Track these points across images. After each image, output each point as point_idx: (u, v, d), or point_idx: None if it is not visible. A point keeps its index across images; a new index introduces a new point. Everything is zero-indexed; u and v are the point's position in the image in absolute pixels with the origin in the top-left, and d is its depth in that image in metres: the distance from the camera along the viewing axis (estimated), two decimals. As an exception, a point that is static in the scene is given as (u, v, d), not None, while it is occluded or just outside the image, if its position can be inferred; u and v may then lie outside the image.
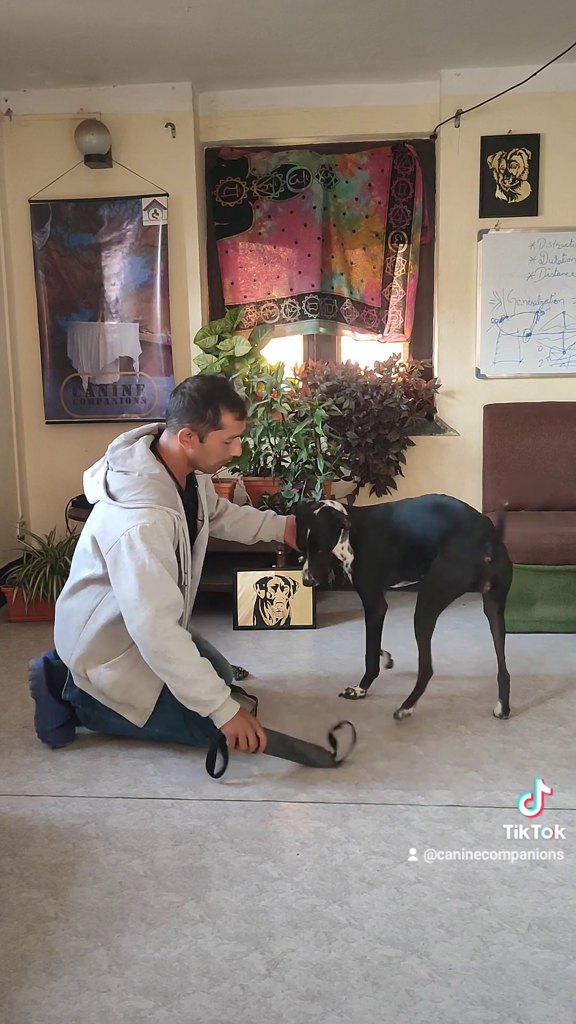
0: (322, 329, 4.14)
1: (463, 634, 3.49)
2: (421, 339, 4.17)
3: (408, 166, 4.01)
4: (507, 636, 3.42)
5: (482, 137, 3.85)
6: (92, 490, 2.41)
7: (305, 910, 1.74)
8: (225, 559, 3.72)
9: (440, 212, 3.96)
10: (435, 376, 4.05)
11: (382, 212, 4.05)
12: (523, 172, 3.87)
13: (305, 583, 2.73)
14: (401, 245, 4.06)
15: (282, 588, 3.55)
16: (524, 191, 3.88)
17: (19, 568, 3.79)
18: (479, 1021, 1.44)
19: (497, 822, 2.03)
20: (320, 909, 1.74)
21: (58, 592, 2.66)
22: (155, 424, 2.51)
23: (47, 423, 4.19)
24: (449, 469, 4.07)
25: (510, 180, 3.88)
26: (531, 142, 3.84)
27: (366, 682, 2.83)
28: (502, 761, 2.36)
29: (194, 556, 2.56)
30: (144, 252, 4.02)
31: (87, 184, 4.01)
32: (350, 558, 2.71)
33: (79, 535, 2.51)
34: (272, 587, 3.55)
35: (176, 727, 2.42)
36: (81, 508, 3.65)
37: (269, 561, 3.64)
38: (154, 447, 2.44)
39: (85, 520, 2.46)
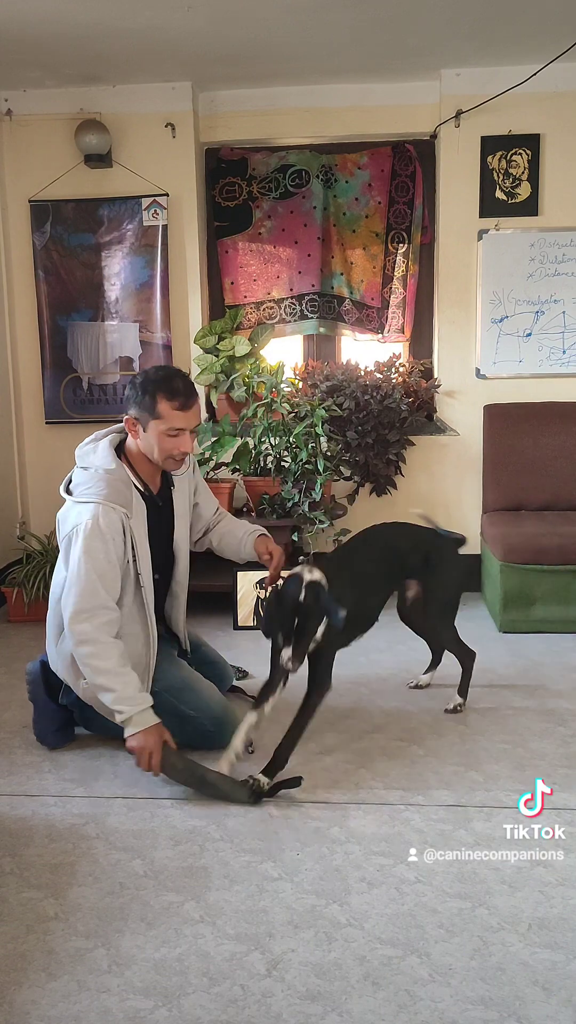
0: (322, 329, 4.14)
1: (463, 634, 3.49)
2: (421, 339, 4.16)
3: (408, 166, 4.01)
4: (507, 636, 3.45)
5: (482, 137, 3.85)
6: (61, 491, 2.39)
7: (305, 910, 1.74)
8: (225, 559, 3.72)
9: (440, 212, 3.96)
10: (435, 376, 4.05)
11: (382, 212, 4.05)
12: (523, 172, 3.87)
13: (288, 670, 2.19)
14: (401, 245, 4.06)
15: (282, 588, 3.54)
16: (524, 191, 3.87)
17: (19, 568, 3.79)
18: (479, 1021, 1.44)
19: (497, 822, 2.03)
20: (320, 909, 1.74)
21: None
22: (109, 437, 2.45)
23: (47, 423, 4.19)
24: (449, 469, 4.07)
25: (510, 180, 3.88)
26: (531, 142, 3.84)
27: (272, 771, 2.23)
28: (502, 761, 2.36)
29: (176, 560, 2.52)
30: (144, 252, 4.02)
31: (87, 184, 4.01)
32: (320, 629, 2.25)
33: None
34: (272, 587, 3.54)
35: (172, 731, 2.41)
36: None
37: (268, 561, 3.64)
38: (123, 446, 2.41)
39: None
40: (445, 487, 4.08)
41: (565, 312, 3.93)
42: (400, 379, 3.91)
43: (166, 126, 3.93)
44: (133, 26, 3.25)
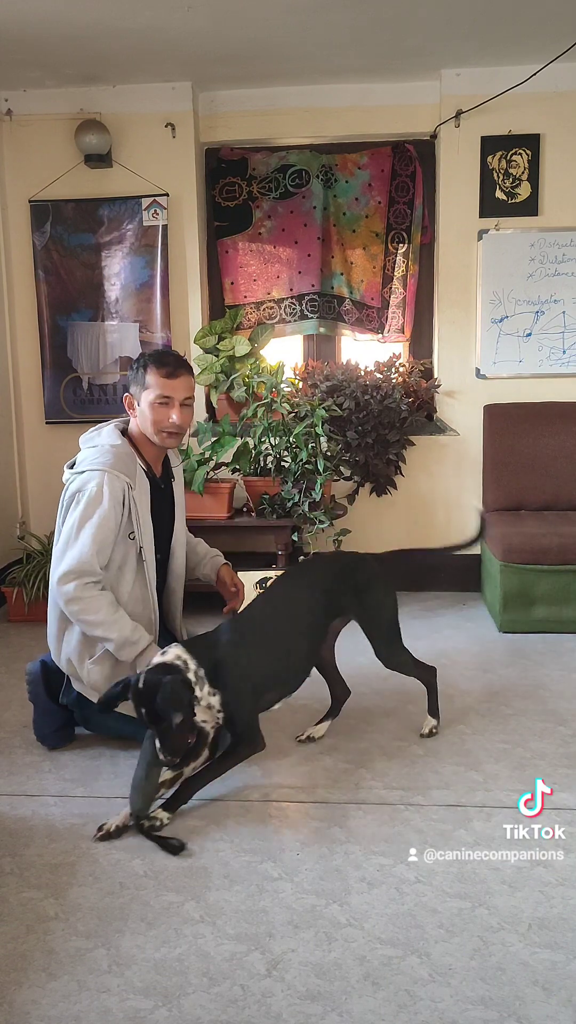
0: (322, 329, 4.14)
1: (463, 634, 3.50)
2: (421, 339, 4.16)
3: (408, 166, 4.01)
4: (507, 636, 3.45)
5: (482, 137, 3.85)
6: (64, 478, 2.45)
7: (305, 910, 1.74)
8: (225, 559, 3.72)
9: (440, 212, 3.96)
10: (435, 376, 4.05)
11: (382, 212, 4.05)
12: (523, 172, 3.86)
13: (165, 764, 2.03)
14: (401, 245, 4.06)
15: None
16: (524, 191, 3.87)
17: (19, 568, 3.80)
18: (479, 1021, 1.44)
19: (497, 822, 2.03)
20: (320, 909, 1.74)
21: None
22: (124, 418, 2.56)
23: (47, 423, 4.19)
24: (449, 469, 4.07)
25: (510, 180, 3.88)
26: (531, 142, 3.84)
27: (174, 806, 2.09)
28: (502, 761, 2.36)
29: (173, 552, 2.57)
30: (144, 252, 4.02)
31: (87, 184, 4.01)
32: (216, 702, 2.09)
33: None
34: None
35: None
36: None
37: (269, 561, 3.65)
38: (126, 433, 2.50)
39: None
40: (445, 487, 4.08)
41: (565, 312, 3.93)
42: (400, 379, 3.91)
43: (166, 126, 3.93)
44: (133, 26, 3.25)
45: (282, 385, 3.72)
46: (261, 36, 3.38)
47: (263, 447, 3.72)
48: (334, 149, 4.03)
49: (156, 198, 3.97)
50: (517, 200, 3.89)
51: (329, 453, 3.67)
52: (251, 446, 3.70)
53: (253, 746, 2.17)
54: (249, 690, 2.16)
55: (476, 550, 4.04)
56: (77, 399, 4.16)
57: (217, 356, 3.94)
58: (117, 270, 4.05)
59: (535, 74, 3.63)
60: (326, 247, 4.07)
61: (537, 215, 3.89)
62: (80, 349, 4.13)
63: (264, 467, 3.75)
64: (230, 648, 2.13)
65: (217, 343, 3.97)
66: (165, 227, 3.98)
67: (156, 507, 2.44)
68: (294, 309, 4.13)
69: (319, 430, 3.52)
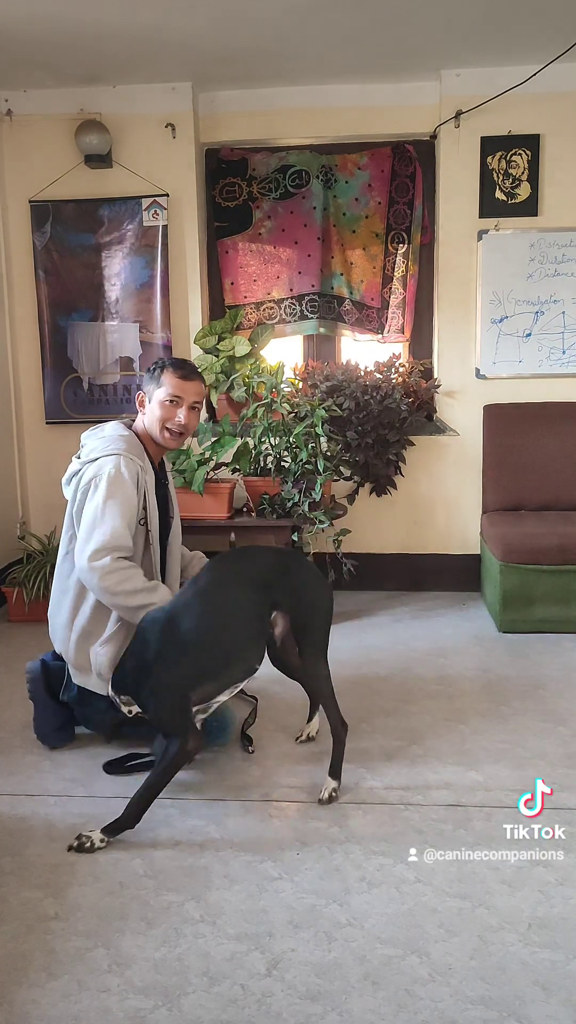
0: (322, 329, 4.14)
1: (463, 634, 3.50)
2: (421, 339, 4.17)
3: (408, 166, 4.01)
4: (507, 636, 3.45)
5: (482, 137, 3.85)
6: (68, 473, 2.49)
7: (305, 910, 1.74)
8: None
9: (440, 212, 3.96)
10: (435, 376, 4.05)
11: (382, 212, 4.05)
12: (523, 172, 3.87)
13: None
14: (401, 245, 4.06)
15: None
16: (524, 191, 3.88)
17: (19, 568, 3.79)
18: (479, 1021, 1.44)
19: (497, 822, 2.03)
20: (320, 909, 1.74)
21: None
22: (127, 416, 2.64)
23: (47, 423, 4.19)
24: (449, 469, 4.07)
25: (510, 180, 3.88)
26: (531, 142, 3.84)
27: (115, 830, 2.01)
28: (502, 761, 2.36)
29: (169, 555, 2.61)
30: (144, 252, 4.02)
31: (87, 184, 4.01)
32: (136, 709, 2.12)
33: None
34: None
35: None
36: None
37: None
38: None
39: None
40: (445, 487, 4.09)
41: (565, 312, 3.93)
42: (400, 379, 3.91)
43: (166, 126, 3.93)
44: (133, 26, 3.25)
45: (282, 385, 3.72)
46: (261, 36, 3.38)
47: (263, 447, 3.72)
48: (334, 149, 4.03)
49: (156, 198, 3.97)
50: (517, 200, 3.89)
51: (329, 453, 3.67)
52: (251, 446, 3.70)
53: (182, 747, 2.01)
54: (172, 691, 2.04)
55: (476, 550, 4.05)
56: (77, 399, 4.16)
57: (217, 356, 3.95)
58: (117, 270, 4.05)
59: (535, 74, 3.63)
60: (326, 247, 4.08)
61: (537, 215, 3.89)
62: (80, 349, 4.13)
63: (264, 467, 3.75)
64: (153, 655, 2.06)
65: (217, 343, 3.97)
66: (165, 227, 3.98)
67: (159, 498, 2.52)
68: (294, 309, 4.14)
69: (319, 430, 3.53)
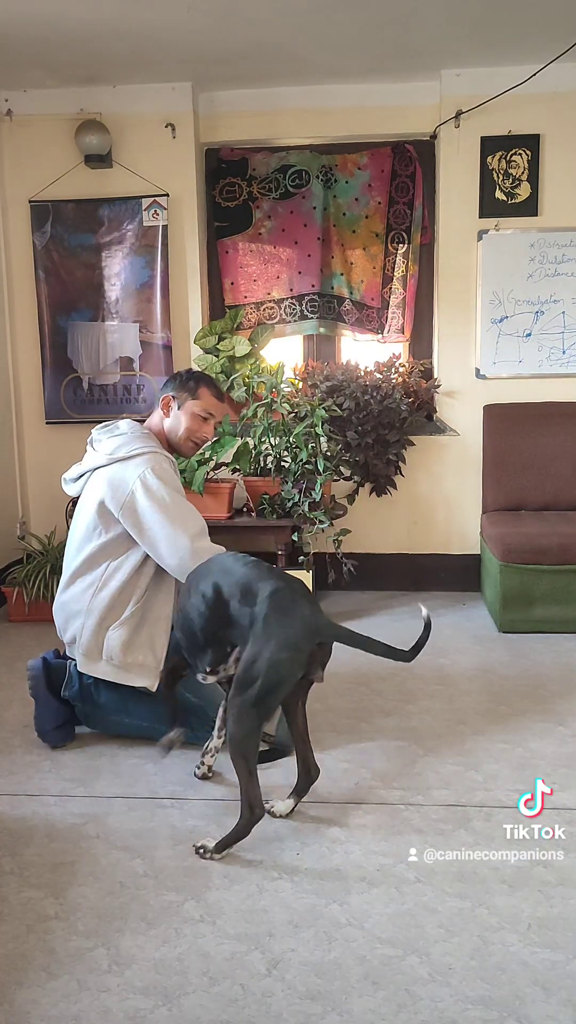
0: (322, 329, 4.14)
1: (463, 634, 3.50)
2: (421, 339, 4.16)
3: (408, 166, 4.01)
4: (507, 636, 3.45)
5: (482, 137, 3.85)
6: (82, 468, 2.51)
7: (305, 910, 1.74)
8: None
9: (440, 212, 3.96)
10: (435, 376, 4.05)
11: (382, 212, 4.05)
12: (523, 172, 3.87)
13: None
14: (401, 245, 4.06)
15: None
16: (524, 191, 3.88)
17: (19, 568, 3.80)
18: (479, 1021, 1.44)
19: (497, 822, 2.03)
20: (320, 909, 1.74)
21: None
22: (132, 416, 2.67)
23: (47, 423, 4.19)
24: (449, 469, 4.07)
25: (510, 180, 3.88)
26: (531, 142, 3.84)
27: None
28: (502, 761, 2.36)
29: None
30: (144, 252, 4.02)
31: (87, 184, 4.01)
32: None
33: None
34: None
35: (174, 723, 2.43)
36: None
37: (269, 561, 3.64)
38: None
39: None
40: (445, 487, 4.09)
41: (565, 312, 3.93)
42: (400, 379, 3.91)
43: (166, 126, 3.93)
44: (133, 26, 3.25)
45: (282, 385, 3.72)
46: (261, 36, 3.38)
47: (263, 447, 3.72)
48: (334, 149, 4.03)
49: (156, 198, 3.97)
50: (517, 200, 3.89)
51: (329, 453, 3.67)
52: (251, 446, 3.70)
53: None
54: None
55: (476, 550, 4.05)
56: (77, 399, 4.16)
57: (217, 356, 3.95)
58: (117, 270, 4.05)
59: (535, 74, 3.63)
60: (326, 247, 4.07)
61: (537, 215, 3.89)
62: (80, 349, 4.13)
63: (264, 467, 3.75)
64: None
65: (217, 343, 3.97)
66: (165, 227, 3.98)
67: None
68: (294, 309, 4.14)
69: (319, 430, 3.53)
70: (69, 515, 3.99)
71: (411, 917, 1.71)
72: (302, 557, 3.62)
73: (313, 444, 3.56)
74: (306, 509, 3.50)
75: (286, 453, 3.64)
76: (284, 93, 3.95)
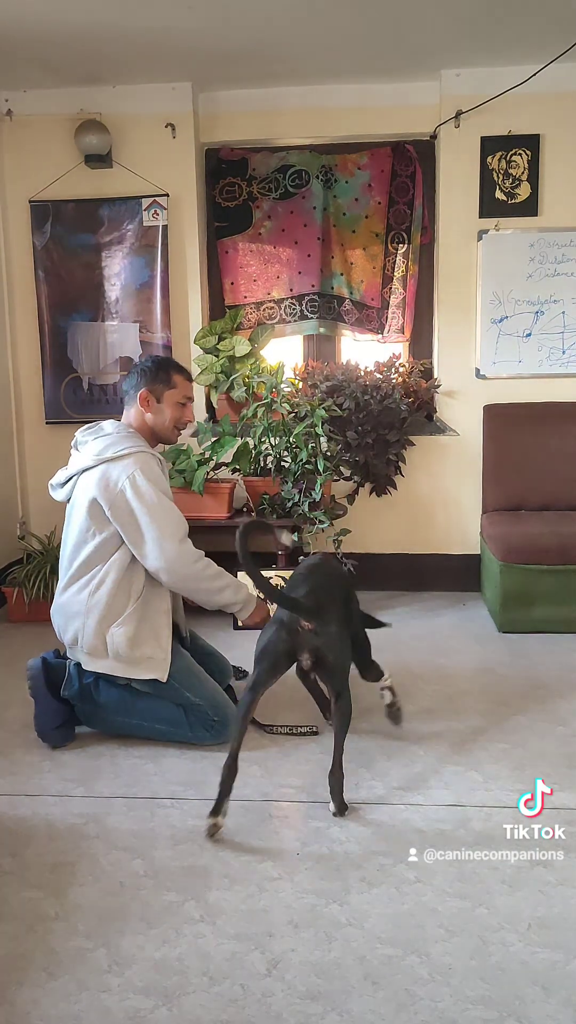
0: (322, 329, 4.14)
1: (463, 634, 3.50)
2: (421, 339, 4.17)
3: (408, 166, 4.01)
4: (507, 636, 3.45)
5: (482, 137, 3.85)
6: (69, 471, 2.51)
7: (305, 910, 1.74)
8: (225, 559, 3.72)
9: (440, 212, 3.96)
10: (435, 376, 4.05)
11: (382, 212, 4.05)
12: (523, 172, 3.87)
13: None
14: (401, 245, 4.06)
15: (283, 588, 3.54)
16: (524, 191, 3.88)
17: (19, 568, 3.79)
18: (479, 1021, 1.44)
19: (497, 822, 2.03)
20: (320, 909, 1.74)
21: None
22: (112, 419, 2.65)
23: (47, 423, 4.19)
24: (449, 469, 4.07)
25: (510, 180, 3.88)
26: (531, 142, 3.84)
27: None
28: (502, 761, 2.36)
29: None
30: (144, 252, 4.02)
31: (87, 184, 4.01)
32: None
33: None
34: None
35: (176, 722, 2.45)
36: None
37: (269, 561, 3.65)
38: None
39: None
40: (445, 487, 4.09)
41: (565, 312, 3.93)
42: (400, 379, 3.91)
43: (166, 126, 3.93)
44: (133, 26, 3.25)
45: (282, 385, 3.72)
46: (261, 36, 3.38)
47: (263, 447, 3.72)
48: (334, 149, 4.03)
49: (156, 198, 3.97)
50: (517, 200, 3.89)
51: (329, 453, 3.67)
52: (251, 446, 3.70)
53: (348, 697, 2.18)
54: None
55: (476, 550, 4.05)
56: (77, 399, 4.16)
57: (217, 356, 3.95)
58: (117, 270, 4.05)
59: (535, 74, 3.63)
60: (326, 247, 4.08)
61: (537, 215, 3.89)
62: (80, 349, 4.13)
63: (264, 467, 3.75)
64: None
65: (217, 343, 3.97)
66: (165, 227, 3.98)
67: None
68: (294, 309, 4.14)
69: (319, 430, 3.53)
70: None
71: (411, 917, 1.71)
72: (302, 557, 3.62)
73: (313, 444, 3.56)
74: (306, 509, 3.50)
75: (286, 453, 3.64)
76: (284, 93, 3.95)
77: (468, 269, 3.96)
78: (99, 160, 3.93)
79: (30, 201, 4.03)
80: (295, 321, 4.15)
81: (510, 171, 3.87)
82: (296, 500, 3.53)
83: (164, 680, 2.41)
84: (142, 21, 3.21)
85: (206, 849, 1.96)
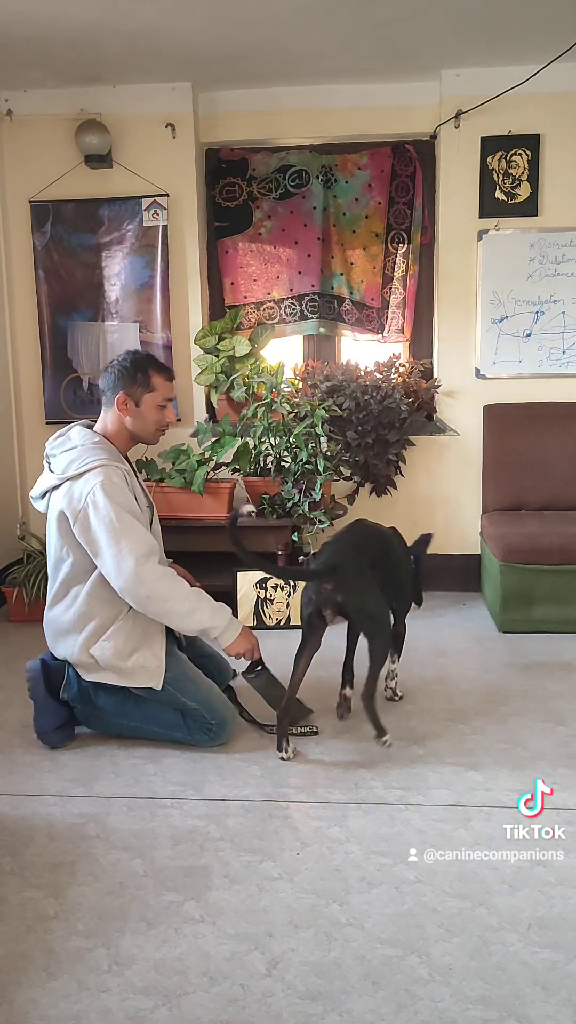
0: (322, 329, 4.14)
1: (463, 634, 3.50)
2: (421, 339, 4.16)
3: (408, 166, 4.01)
4: (507, 636, 3.44)
5: (482, 137, 3.85)
6: (41, 487, 2.46)
7: (305, 910, 1.74)
8: (225, 559, 3.72)
9: (440, 212, 3.96)
10: (435, 376, 4.05)
11: (382, 212, 4.05)
12: (523, 172, 3.87)
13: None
14: (401, 245, 4.06)
15: (282, 588, 3.55)
16: (524, 191, 3.87)
17: (19, 568, 3.80)
18: (479, 1021, 1.44)
19: (497, 822, 2.03)
20: (320, 909, 1.74)
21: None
22: (84, 420, 2.59)
23: (47, 423, 4.18)
24: (449, 469, 4.07)
25: (510, 180, 3.88)
26: (531, 142, 3.84)
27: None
28: (502, 761, 2.36)
29: (152, 528, 2.61)
30: (144, 252, 4.02)
31: (87, 184, 4.01)
32: None
33: None
34: (272, 587, 3.55)
35: (174, 726, 2.44)
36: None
37: (269, 561, 3.64)
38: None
39: None
40: (445, 487, 4.09)
41: (565, 312, 3.93)
42: (400, 379, 3.91)
43: (166, 126, 3.93)
44: (133, 26, 3.25)
45: (282, 385, 3.72)
46: (261, 36, 3.38)
47: (263, 447, 3.72)
48: (334, 149, 4.03)
49: (156, 198, 3.97)
50: (517, 200, 3.89)
51: (329, 453, 3.67)
52: (251, 446, 3.70)
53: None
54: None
55: (476, 550, 4.05)
56: (77, 399, 4.16)
57: (217, 356, 3.95)
58: (117, 270, 4.05)
59: (535, 74, 3.63)
60: (326, 247, 4.08)
61: (537, 215, 3.89)
62: (80, 349, 4.13)
63: (264, 467, 3.75)
64: None
65: (217, 343, 3.97)
66: (165, 227, 3.98)
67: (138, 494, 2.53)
68: (294, 309, 4.14)
69: (319, 430, 3.53)
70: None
71: (411, 917, 1.71)
72: (302, 557, 3.62)
73: (313, 444, 3.56)
74: (306, 509, 3.50)
75: (286, 453, 3.64)
76: (284, 93, 3.95)
77: (468, 269, 3.96)
78: (99, 160, 3.93)
79: (30, 201, 4.03)
80: (295, 321, 4.15)
81: (510, 171, 3.87)
82: (296, 500, 3.53)
83: (159, 689, 2.40)
84: (142, 21, 3.21)
85: (206, 849, 1.96)
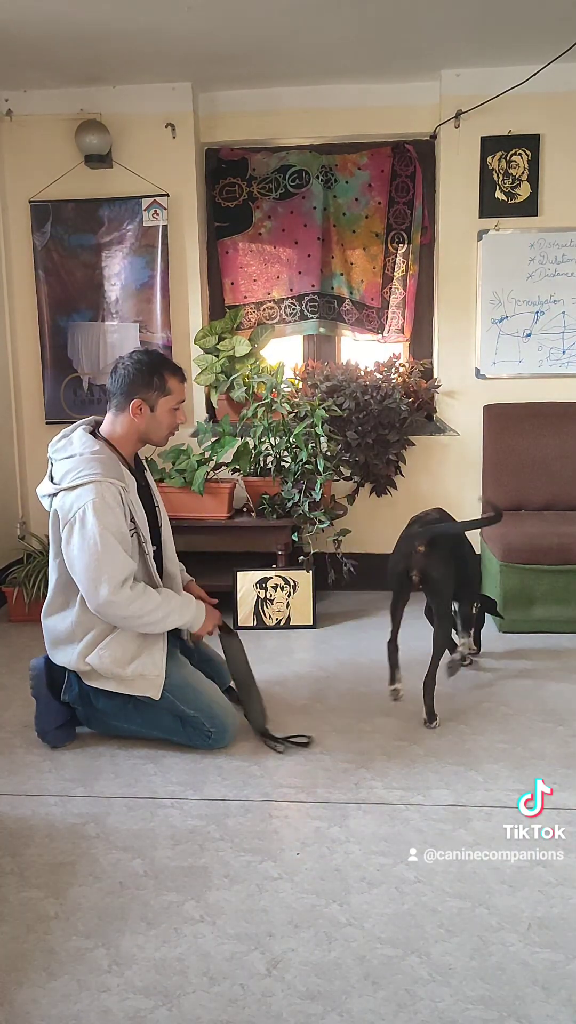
0: (322, 329, 4.14)
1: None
2: (421, 339, 4.16)
3: (408, 166, 4.01)
4: (507, 636, 3.44)
5: (482, 137, 3.85)
6: (43, 491, 2.43)
7: (305, 910, 1.74)
8: (225, 559, 3.72)
9: (440, 212, 3.96)
10: (435, 376, 4.05)
11: (382, 212, 4.05)
12: (523, 172, 3.87)
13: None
14: (401, 245, 4.06)
15: (282, 588, 3.55)
16: (524, 191, 3.87)
17: (19, 568, 3.79)
18: (479, 1021, 1.44)
19: (497, 822, 2.03)
20: (320, 909, 1.74)
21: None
22: (91, 417, 2.54)
23: (47, 423, 4.18)
24: (449, 469, 4.07)
25: (510, 180, 3.88)
26: (531, 142, 3.84)
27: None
28: (502, 761, 2.36)
29: (164, 545, 2.60)
30: (144, 252, 4.02)
31: (87, 184, 4.01)
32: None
33: None
34: (272, 587, 3.55)
35: (172, 730, 2.44)
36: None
37: (269, 561, 3.65)
38: (94, 436, 2.47)
39: None
40: (445, 487, 4.08)
41: (565, 312, 3.93)
42: (400, 379, 3.91)
43: (166, 126, 3.93)
44: (133, 26, 3.25)
45: (282, 385, 3.72)
46: (261, 36, 3.38)
47: (263, 447, 3.72)
48: (334, 149, 4.03)
49: (156, 198, 3.97)
50: (517, 200, 3.89)
51: (329, 453, 3.67)
52: (251, 446, 3.70)
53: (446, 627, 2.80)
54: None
55: (476, 550, 4.04)
56: (77, 399, 4.16)
57: (217, 356, 3.95)
58: (117, 270, 4.05)
59: (535, 74, 3.63)
60: (326, 247, 4.08)
61: (537, 215, 3.89)
62: (80, 349, 4.13)
63: (264, 467, 3.75)
64: None
65: (217, 343, 3.97)
66: (165, 227, 3.98)
67: (143, 500, 2.49)
68: (294, 309, 4.14)
69: (319, 430, 3.53)
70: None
71: (411, 917, 1.71)
72: (302, 557, 3.62)
73: (313, 444, 3.56)
74: (306, 509, 3.50)
75: (286, 453, 3.64)
76: (284, 93, 3.95)
77: (468, 269, 3.96)
78: (99, 160, 3.93)
79: (30, 201, 4.03)
80: (295, 321, 4.15)
81: (510, 171, 3.87)
82: (296, 500, 3.53)
83: (158, 698, 2.39)
84: (142, 21, 3.20)
85: (206, 849, 1.96)
